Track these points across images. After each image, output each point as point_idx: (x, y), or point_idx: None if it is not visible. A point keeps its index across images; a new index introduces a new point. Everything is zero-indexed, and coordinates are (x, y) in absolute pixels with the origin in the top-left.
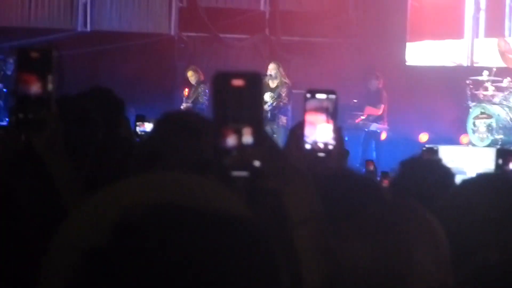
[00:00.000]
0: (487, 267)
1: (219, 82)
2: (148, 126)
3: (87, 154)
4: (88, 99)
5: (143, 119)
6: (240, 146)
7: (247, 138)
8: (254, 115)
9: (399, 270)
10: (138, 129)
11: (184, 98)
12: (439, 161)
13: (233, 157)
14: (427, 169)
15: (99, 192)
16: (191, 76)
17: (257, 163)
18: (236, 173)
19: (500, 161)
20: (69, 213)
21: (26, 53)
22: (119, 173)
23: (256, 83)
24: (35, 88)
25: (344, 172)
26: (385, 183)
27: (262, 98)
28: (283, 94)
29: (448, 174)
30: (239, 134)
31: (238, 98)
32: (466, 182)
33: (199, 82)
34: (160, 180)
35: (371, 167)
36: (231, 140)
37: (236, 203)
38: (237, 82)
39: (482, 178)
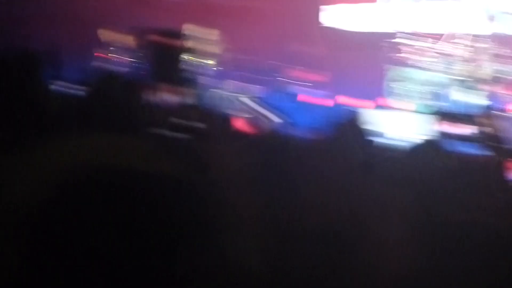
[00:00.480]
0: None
1: (148, 43)
2: None
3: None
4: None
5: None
6: (171, 104)
7: (180, 96)
8: (185, 76)
9: None
10: None
11: None
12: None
13: (163, 115)
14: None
15: (40, 149)
16: (109, 37)
17: (187, 122)
18: (169, 133)
19: (432, 124)
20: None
21: None
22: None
23: (180, 44)
24: None
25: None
26: None
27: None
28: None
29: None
30: (172, 92)
31: (168, 58)
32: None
33: (121, 45)
34: (96, 142)
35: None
36: (163, 98)
37: (168, 163)
38: (166, 41)
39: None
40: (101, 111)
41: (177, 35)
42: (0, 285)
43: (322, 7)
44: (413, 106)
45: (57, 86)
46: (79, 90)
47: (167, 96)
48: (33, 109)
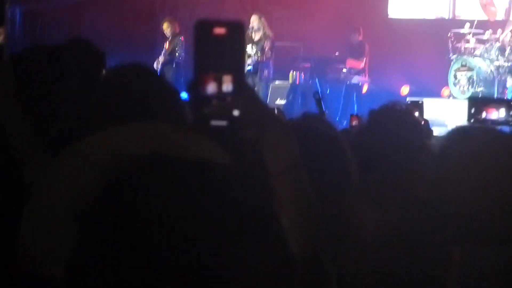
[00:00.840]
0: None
1: (201, 30)
2: None
3: (59, 108)
4: (66, 51)
5: None
6: (220, 94)
7: (227, 86)
8: (235, 64)
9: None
10: None
11: (163, 51)
12: (409, 112)
13: (213, 106)
14: (396, 120)
15: (88, 139)
16: (166, 28)
17: (236, 112)
18: (215, 122)
19: (473, 110)
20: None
21: None
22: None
23: (238, 32)
24: None
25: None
26: (354, 122)
27: (244, 47)
28: (266, 48)
29: (417, 126)
30: (219, 82)
31: (219, 47)
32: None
33: (174, 34)
34: (146, 130)
35: (355, 122)
36: (211, 88)
37: (218, 152)
38: (219, 31)
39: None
40: (150, 101)
41: (238, 25)
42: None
43: None
44: (476, 95)
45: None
46: (124, 80)
47: (218, 85)
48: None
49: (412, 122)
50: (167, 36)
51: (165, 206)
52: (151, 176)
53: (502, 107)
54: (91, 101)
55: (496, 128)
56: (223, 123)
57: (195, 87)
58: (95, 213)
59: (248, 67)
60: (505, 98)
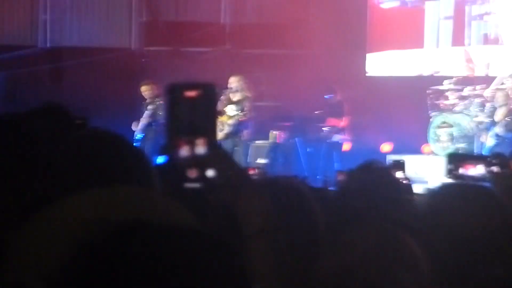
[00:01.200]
0: (490, 281)
1: (172, 93)
2: None
3: (32, 172)
4: (37, 116)
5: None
6: (193, 157)
7: (200, 148)
8: (208, 126)
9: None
10: None
11: (144, 113)
12: (387, 170)
13: (186, 168)
14: (376, 178)
15: (58, 205)
16: (145, 90)
17: (210, 174)
18: (189, 185)
19: (451, 166)
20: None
21: None
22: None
23: (210, 93)
24: None
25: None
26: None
27: (216, 109)
28: (246, 108)
29: (395, 183)
30: (192, 145)
31: (191, 109)
32: (440, 195)
33: (154, 97)
34: (117, 195)
35: (341, 177)
36: (184, 151)
37: (187, 217)
38: (190, 93)
39: (447, 188)
40: (120, 163)
41: (209, 87)
42: None
43: (368, 54)
44: (446, 151)
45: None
46: (101, 141)
47: (191, 148)
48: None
49: (389, 179)
50: (147, 99)
51: (134, 273)
52: (122, 242)
53: (480, 163)
54: (59, 165)
55: (479, 184)
56: (196, 185)
57: (168, 151)
58: (65, 280)
59: (228, 128)
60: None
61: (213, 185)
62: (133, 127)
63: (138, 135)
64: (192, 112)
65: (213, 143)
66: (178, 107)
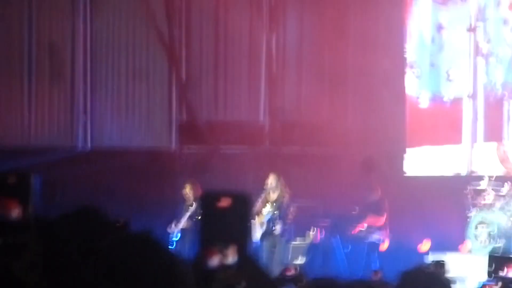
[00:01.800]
0: None
1: (206, 202)
2: None
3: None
4: (71, 220)
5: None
6: (225, 267)
7: (232, 258)
8: (240, 236)
9: None
10: None
11: (185, 214)
12: (440, 273)
13: (218, 280)
14: (428, 281)
15: None
16: (188, 191)
17: (242, 284)
18: None
19: (492, 268)
20: None
21: (4, 178)
22: None
23: (243, 203)
24: (14, 212)
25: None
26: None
27: (249, 219)
28: (286, 207)
29: (448, 286)
30: (224, 255)
31: (224, 219)
32: None
33: (196, 198)
34: None
35: (378, 276)
36: (215, 261)
37: None
38: (224, 203)
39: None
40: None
41: (242, 197)
42: None
43: (405, 154)
44: (497, 250)
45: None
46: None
47: (225, 257)
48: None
49: (441, 283)
50: (188, 200)
51: None
52: None
53: None
54: (94, 269)
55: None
56: None
57: (200, 260)
58: None
59: (266, 227)
60: None
61: None
62: (170, 229)
63: (175, 237)
64: (225, 222)
65: (245, 253)
66: (210, 216)
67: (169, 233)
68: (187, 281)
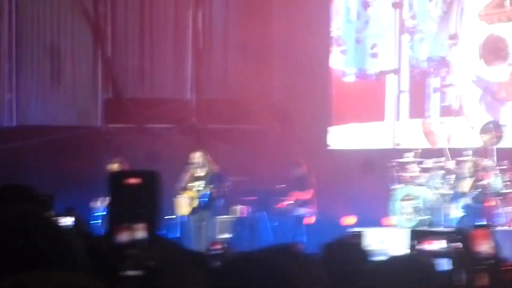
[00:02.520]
0: None
1: (114, 181)
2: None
3: None
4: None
5: (72, 212)
6: (134, 244)
7: (142, 235)
8: (150, 213)
9: None
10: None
11: None
12: (358, 244)
13: (128, 256)
14: (345, 252)
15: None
16: (117, 169)
17: (151, 262)
18: (130, 272)
19: (414, 242)
20: None
21: None
22: None
23: (152, 180)
24: None
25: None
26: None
27: (158, 196)
28: (224, 183)
29: (364, 256)
30: (134, 232)
31: (133, 196)
32: (378, 266)
33: None
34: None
35: (298, 249)
36: (124, 238)
37: None
38: (132, 180)
39: (393, 261)
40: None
41: (150, 174)
42: None
43: (329, 128)
44: (423, 223)
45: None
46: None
47: (135, 234)
48: None
49: (358, 253)
50: None
51: None
52: None
53: (442, 238)
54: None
55: (421, 258)
56: (138, 273)
57: (110, 238)
58: None
59: (195, 203)
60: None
61: (155, 272)
62: (94, 204)
63: (99, 213)
64: (134, 199)
65: (155, 230)
66: (119, 194)
67: (93, 209)
68: (75, 252)
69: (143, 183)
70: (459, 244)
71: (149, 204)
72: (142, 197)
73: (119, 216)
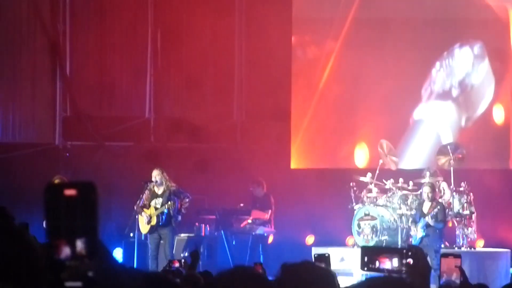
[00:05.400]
0: None
1: (51, 193)
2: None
3: None
4: None
5: (26, 228)
6: (74, 257)
7: (81, 248)
8: (88, 225)
9: None
10: None
11: None
12: (322, 266)
13: (68, 268)
14: (309, 273)
15: None
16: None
17: (90, 273)
18: (70, 284)
19: (366, 259)
20: None
21: None
22: None
23: (90, 192)
24: None
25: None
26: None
27: (96, 208)
28: (182, 200)
29: (329, 277)
30: (72, 245)
31: (71, 209)
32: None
33: None
34: None
35: (259, 270)
36: (64, 252)
37: None
38: (69, 192)
39: (371, 282)
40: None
41: (87, 186)
42: None
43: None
44: (380, 244)
45: None
46: None
47: (74, 247)
48: None
49: (323, 275)
50: None
51: None
52: None
53: (395, 256)
54: None
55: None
56: (78, 284)
57: (49, 252)
58: None
59: (154, 220)
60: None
61: (93, 283)
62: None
63: None
64: (71, 212)
65: (94, 243)
66: (56, 207)
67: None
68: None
69: (79, 194)
70: (410, 261)
71: (88, 216)
72: (78, 209)
73: (57, 230)
